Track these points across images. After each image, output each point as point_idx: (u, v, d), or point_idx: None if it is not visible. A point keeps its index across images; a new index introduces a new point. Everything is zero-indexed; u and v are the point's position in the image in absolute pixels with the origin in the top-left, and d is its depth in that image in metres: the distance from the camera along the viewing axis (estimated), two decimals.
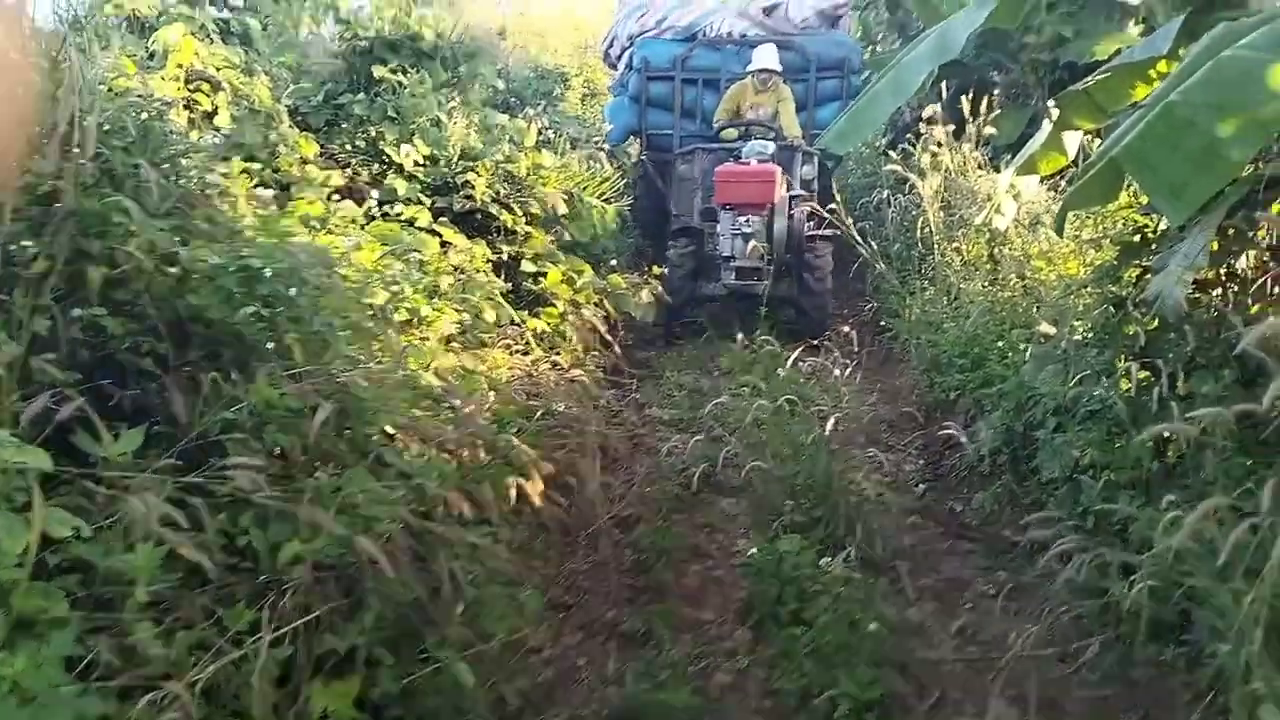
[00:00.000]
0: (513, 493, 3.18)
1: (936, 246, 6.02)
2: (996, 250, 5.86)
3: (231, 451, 2.33)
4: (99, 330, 2.47)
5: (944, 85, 7.19)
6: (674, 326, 6.78)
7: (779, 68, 7.60)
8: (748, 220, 6.67)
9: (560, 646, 2.95)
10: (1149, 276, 3.61)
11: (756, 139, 7.12)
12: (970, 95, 6.88)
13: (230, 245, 2.83)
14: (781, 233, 6.72)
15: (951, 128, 6.61)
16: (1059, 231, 3.69)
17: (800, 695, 2.58)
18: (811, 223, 6.75)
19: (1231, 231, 3.50)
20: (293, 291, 2.71)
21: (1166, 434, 3.16)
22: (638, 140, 8.93)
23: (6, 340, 2.10)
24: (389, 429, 2.96)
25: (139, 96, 3.12)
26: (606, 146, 8.45)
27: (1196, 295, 3.55)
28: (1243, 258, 3.62)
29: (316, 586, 2.09)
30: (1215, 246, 3.44)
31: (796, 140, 7.40)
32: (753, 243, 6.54)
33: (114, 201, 2.55)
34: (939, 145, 6.58)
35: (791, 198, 6.94)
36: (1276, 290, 3.52)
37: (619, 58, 9.47)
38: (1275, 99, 2.02)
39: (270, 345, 2.64)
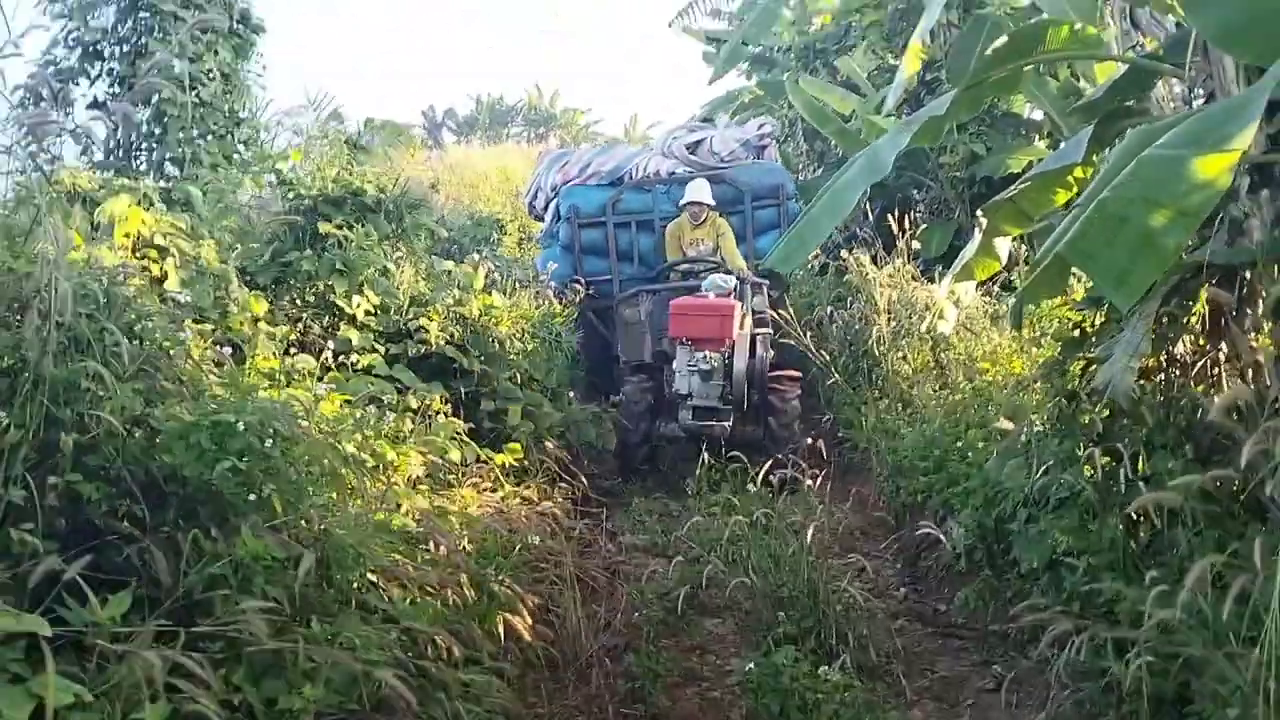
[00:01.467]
0: (500, 630, 3.15)
1: (886, 356, 6.23)
2: (941, 355, 6.08)
3: (220, 606, 2.29)
4: (75, 496, 2.44)
5: (868, 206, 7.57)
6: (630, 464, 6.61)
7: (711, 200, 7.62)
8: (705, 356, 6.37)
9: None
10: (1094, 368, 3.79)
11: (703, 275, 6.91)
12: (895, 213, 7.27)
13: (198, 404, 2.85)
14: (741, 372, 6.37)
15: (879, 245, 6.95)
16: (1017, 327, 3.89)
17: None
18: (771, 353, 6.61)
19: (1166, 319, 3.72)
20: (267, 444, 2.71)
21: (1136, 514, 3.30)
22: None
23: None
24: (370, 575, 2.93)
25: (94, 267, 3.16)
26: (552, 285, 8.31)
27: (1141, 382, 3.74)
28: (1179, 344, 3.84)
29: None
30: (1153, 334, 3.66)
31: (741, 272, 7.16)
32: (712, 380, 6.32)
33: (82, 367, 2.56)
34: (873, 261, 6.91)
35: (753, 334, 6.67)
36: (1215, 371, 3.73)
37: (545, 208, 9.39)
38: (1197, 190, 2.21)
39: (249, 499, 2.62)
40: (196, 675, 1.95)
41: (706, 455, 4.77)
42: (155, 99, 8.66)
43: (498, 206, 15.74)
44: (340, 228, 5.68)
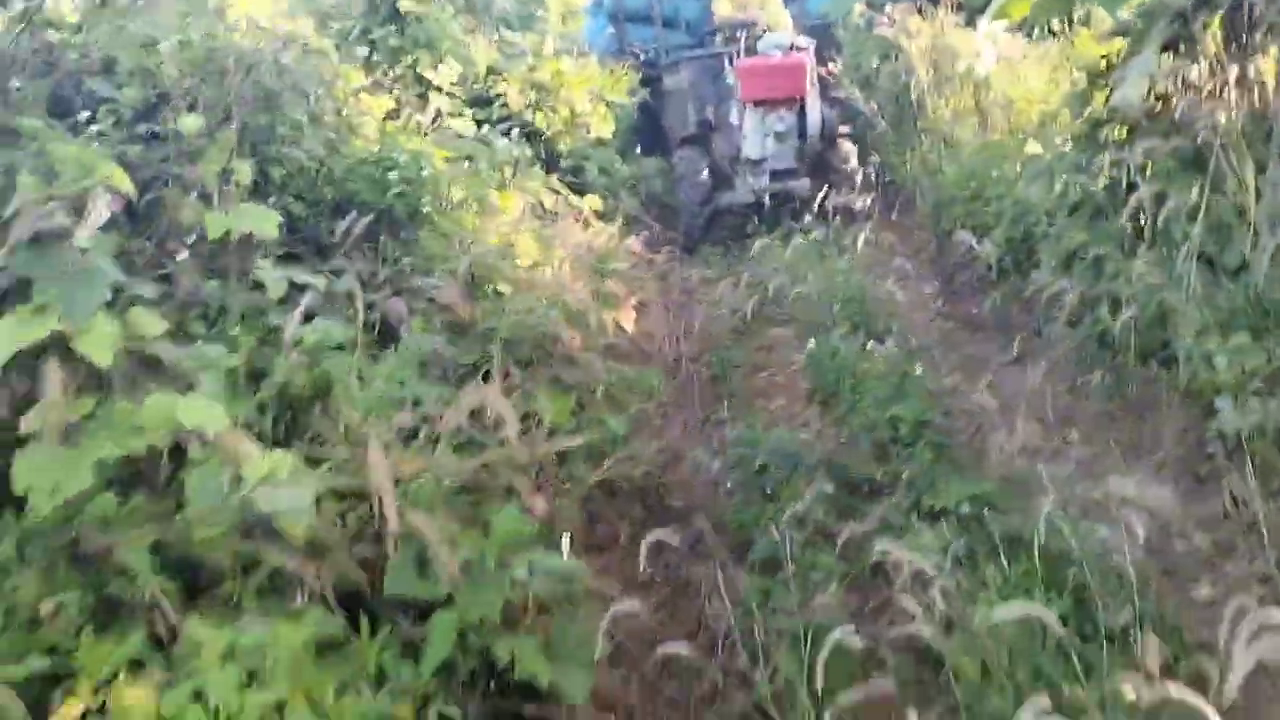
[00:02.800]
0: (610, 326, 3.95)
1: (928, 101, 6.70)
2: (981, 98, 6.53)
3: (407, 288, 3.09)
4: (289, 215, 3.20)
5: None
6: (693, 236, 6.48)
7: None
8: (780, 117, 6.34)
9: (669, 437, 3.74)
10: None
11: (744, 39, 6.80)
12: None
13: (363, 146, 3.56)
14: (815, 127, 6.40)
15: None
16: (1029, 34, 4.39)
17: (869, 427, 3.37)
18: (835, 110, 6.66)
19: (1181, 42, 4.20)
20: (425, 172, 3.44)
21: (1139, 212, 3.94)
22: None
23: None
24: (504, 282, 3.71)
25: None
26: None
27: (1158, 103, 4.27)
28: (1194, 69, 4.34)
29: None
30: (1171, 61, 4.17)
31: (788, 33, 7.06)
32: (787, 141, 6.35)
33: (281, 115, 3.26)
34: (919, 11, 7.23)
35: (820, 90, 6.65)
36: (1224, 92, 4.25)
37: None
38: None
39: (416, 213, 3.37)
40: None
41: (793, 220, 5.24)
42: None
43: None
44: (418, 3, 6.17)
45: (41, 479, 1.67)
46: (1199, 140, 3.40)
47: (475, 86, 5.96)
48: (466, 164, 4.62)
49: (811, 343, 4.06)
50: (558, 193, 5.06)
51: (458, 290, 2.93)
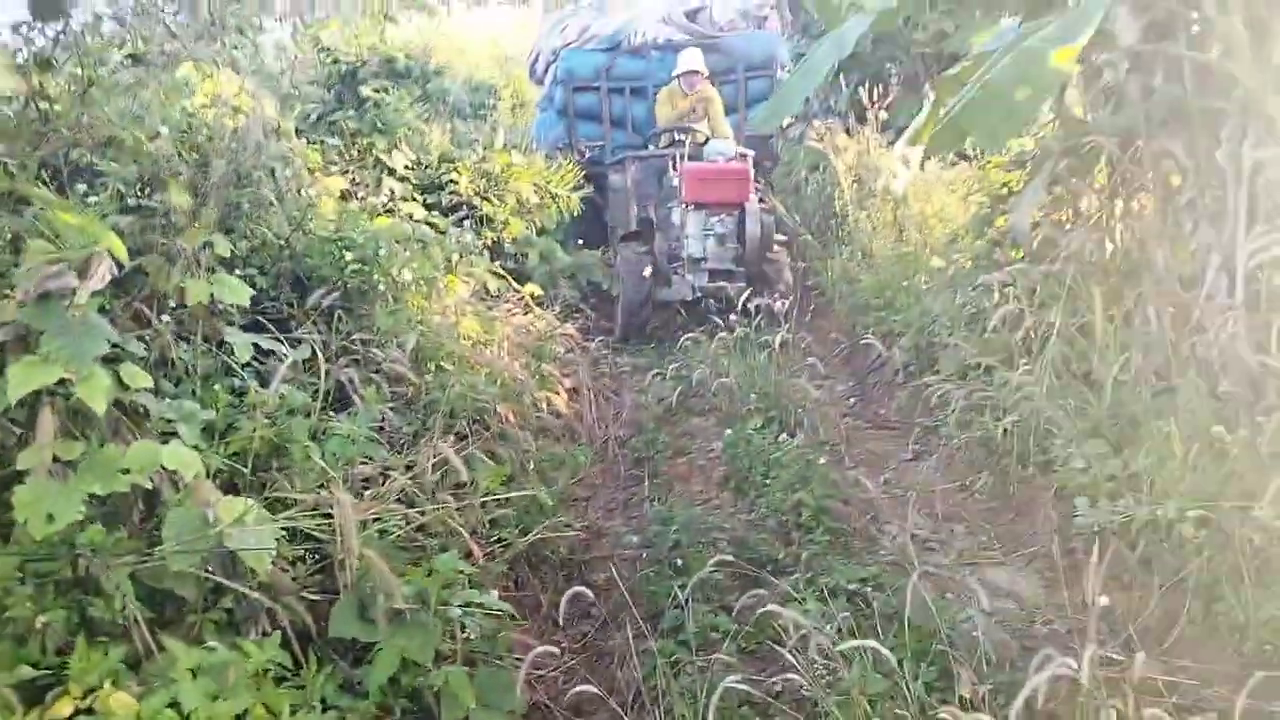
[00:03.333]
0: (545, 404, 4.26)
1: (850, 215, 7.25)
2: (900, 214, 7.11)
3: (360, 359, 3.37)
4: (253, 285, 3.46)
5: (843, 79, 8.45)
6: (631, 328, 6.72)
7: (704, 69, 7.72)
8: (720, 220, 6.65)
9: (593, 513, 4.02)
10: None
11: (686, 143, 7.08)
12: (868, 85, 8.17)
13: (322, 223, 3.86)
14: (754, 235, 6.63)
15: (851, 117, 7.87)
16: (921, 165, 4.95)
17: (776, 511, 3.70)
18: (771, 217, 6.88)
19: (1071, 178, 4.76)
20: (380, 252, 3.74)
21: (1029, 330, 4.41)
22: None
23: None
24: (446, 360, 4.00)
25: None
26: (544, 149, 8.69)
27: (1050, 229, 4.80)
28: (1084, 200, 4.90)
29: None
30: (1060, 194, 4.73)
31: (729, 142, 7.30)
32: (727, 244, 6.62)
33: (250, 192, 3.55)
34: (845, 132, 7.85)
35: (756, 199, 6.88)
36: (1110, 222, 4.79)
37: (545, 72, 9.43)
38: (1051, 74, 3.21)
39: (372, 289, 3.67)
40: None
41: (718, 318, 5.62)
42: None
43: (489, 73, 16.30)
44: (376, 91, 6.55)
45: (37, 509, 1.90)
46: (1057, 267, 3.88)
47: (428, 172, 6.33)
48: (417, 246, 4.94)
49: (728, 432, 4.41)
50: (501, 277, 5.39)
51: (405, 363, 3.22)
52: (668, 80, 8.04)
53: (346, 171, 6.20)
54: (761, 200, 7.04)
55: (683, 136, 7.30)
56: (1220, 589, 2.83)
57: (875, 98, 7.95)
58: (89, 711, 1.65)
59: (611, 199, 7.82)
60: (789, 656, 2.22)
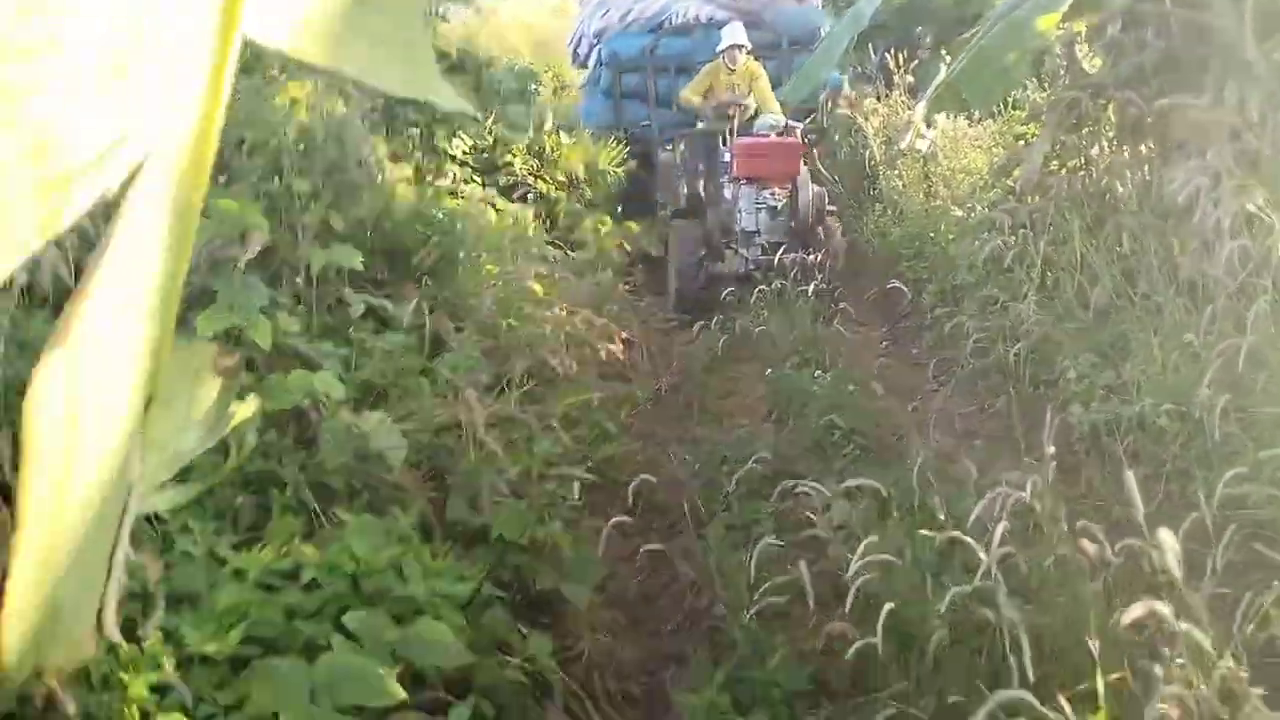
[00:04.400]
0: (602, 354, 4.84)
1: (880, 174, 7.73)
2: (928, 170, 7.56)
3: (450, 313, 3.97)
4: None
5: (871, 47, 8.88)
6: (686, 303, 6.71)
7: (747, 43, 7.67)
8: (773, 193, 6.68)
9: (652, 445, 4.60)
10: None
11: (737, 118, 7.10)
12: (894, 52, 8.60)
13: (409, 202, 4.47)
14: (806, 206, 6.69)
15: (881, 82, 8.32)
16: (927, 121, 5.42)
17: (812, 432, 4.24)
18: (821, 188, 6.94)
19: (1082, 127, 5.22)
20: (459, 226, 4.34)
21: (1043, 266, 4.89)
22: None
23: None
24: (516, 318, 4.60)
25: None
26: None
27: (1064, 173, 5.25)
28: (1095, 147, 5.35)
29: None
30: (1072, 142, 5.18)
31: (778, 115, 7.21)
32: (780, 216, 6.68)
33: (341, 179, 4.16)
34: (875, 97, 8.31)
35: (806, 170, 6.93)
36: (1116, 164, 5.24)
37: (587, 55, 9.66)
38: (1036, 38, 3.69)
39: (447, 259, 4.27)
40: None
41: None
42: None
43: (529, 58, 16.88)
44: None
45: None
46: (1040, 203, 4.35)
47: (484, 156, 6.92)
48: (484, 222, 5.55)
49: (769, 371, 4.96)
50: (558, 246, 5.98)
51: (490, 314, 3.82)
52: (713, 57, 7.98)
53: (411, 158, 6.85)
54: (812, 172, 7.16)
55: (733, 111, 7.33)
56: (1192, 471, 3.32)
57: (901, 63, 8.39)
58: (284, 556, 2.26)
59: (661, 176, 7.93)
60: (812, 518, 2.77)
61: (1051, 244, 4.61)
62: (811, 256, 6.07)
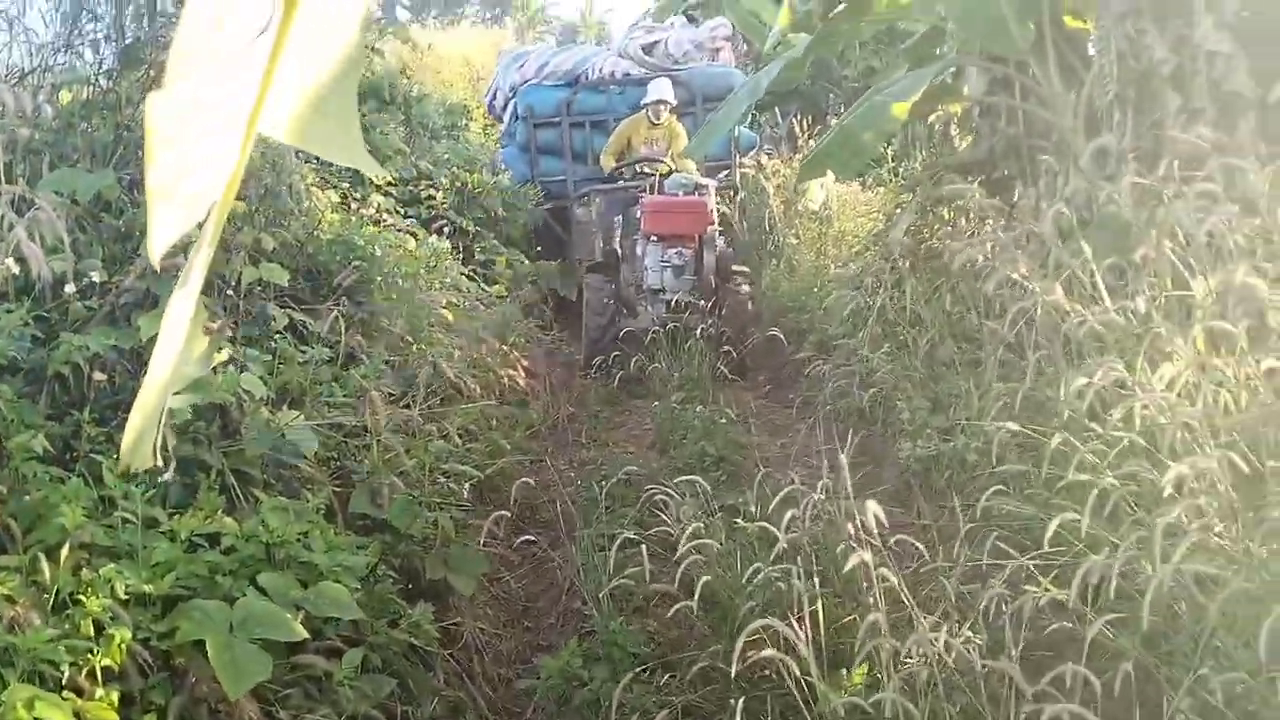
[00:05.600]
0: (505, 379, 5.32)
1: (779, 231, 8.40)
2: (823, 231, 8.27)
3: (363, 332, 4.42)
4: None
5: (778, 110, 9.62)
6: (594, 359, 6.77)
7: (673, 99, 8.03)
8: (679, 252, 6.84)
9: (540, 463, 5.09)
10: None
11: (651, 175, 7.41)
12: (800, 116, 9.35)
13: (330, 229, 4.92)
14: (711, 264, 6.88)
15: (785, 145, 9.04)
16: (795, 188, 6.08)
17: (687, 459, 4.78)
18: (730, 248, 7.29)
19: (938, 203, 5.92)
20: (376, 253, 4.80)
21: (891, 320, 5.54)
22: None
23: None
24: (426, 341, 5.06)
25: None
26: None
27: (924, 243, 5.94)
28: (956, 221, 6.05)
29: None
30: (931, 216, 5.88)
31: (692, 174, 7.56)
32: (685, 275, 6.84)
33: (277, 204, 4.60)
34: (780, 159, 9.02)
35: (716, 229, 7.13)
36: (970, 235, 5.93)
37: (503, 109, 9.84)
38: (891, 121, 4.34)
39: (367, 281, 4.72)
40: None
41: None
42: None
43: (462, 93, 17.40)
44: (364, 116, 7.63)
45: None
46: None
47: (409, 188, 7.40)
48: (402, 250, 6.01)
49: (656, 404, 5.51)
50: (472, 279, 6.47)
51: (399, 336, 4.28)
52: (628, 113, 8.48)
53: (336, 186, 7.28)
54: (722, 231, 7.42)
55: (649, 169, 7.66)
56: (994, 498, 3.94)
57: (806, 127, 9.12)
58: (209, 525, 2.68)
59: (576, 232, 8.10)
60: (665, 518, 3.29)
61: (899, 304, 5.26)
62: (709, 307, 6.61)
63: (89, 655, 2.09)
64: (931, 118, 6.55)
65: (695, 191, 7.26)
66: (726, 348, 6.32)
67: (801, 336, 6.80)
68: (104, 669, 2.09)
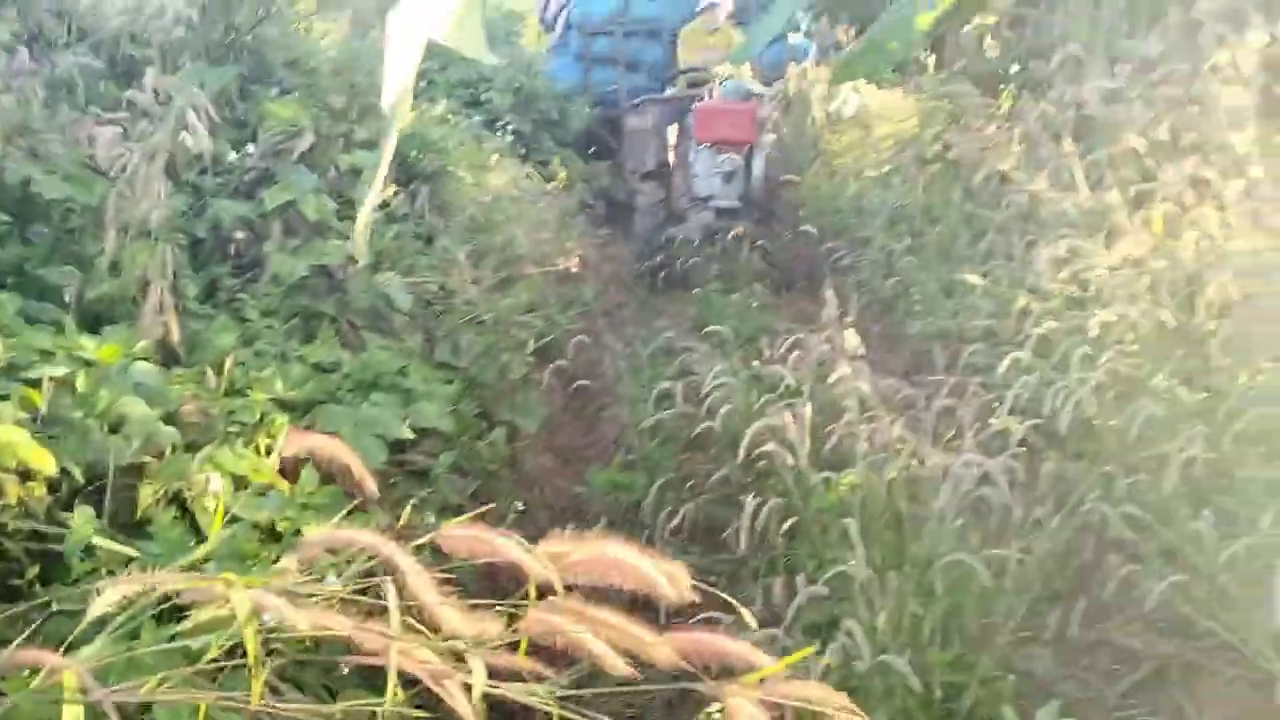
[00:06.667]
0: (561, 265, 5.96)
1: (822, 136, 8.85)
2: (864, 135, 8.70)
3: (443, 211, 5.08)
4: None
5: (825, 19, 9.93)
6: (644, 264, 7.13)
7: (730, 5, 8.15)
8: (729, 159, 7.06)
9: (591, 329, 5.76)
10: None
11: (708, 85, 7.52)
12: (848, 26, 9.66)
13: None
14: (761, 172, 7.13)
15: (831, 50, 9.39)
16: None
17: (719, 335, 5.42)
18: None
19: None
20: (450, 145, 5.42)
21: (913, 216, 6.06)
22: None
23: None
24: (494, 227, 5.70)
25: None
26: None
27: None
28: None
29: None
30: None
31: (749, 81, 7.66)
32: (734, 182, 7.09)
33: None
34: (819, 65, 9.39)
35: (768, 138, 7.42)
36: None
37: (555, 17, 9.77)
38: (915, 30, 4.82)
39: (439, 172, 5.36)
40: None
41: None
42: None
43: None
44: None
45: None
46: None
47: (470, 91, 7.97)
48: (470, 145, 6.63)
49: (697, 290, 6.14)
50: (530, 179, 7.08)
51: (468, 216, 4.93)
52: (684, 22, 8.52)
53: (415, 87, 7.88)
54: (776, 139, 7.57)
55: (703, 77, 7.79)
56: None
57: (853, 36, 9.45)
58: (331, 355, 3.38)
59: (629, 140, 8.21)
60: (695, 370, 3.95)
61: (923, 202, 5.78)
62: (757, 215, 7.08)
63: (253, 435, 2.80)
64: (966, 27, 6.94)
65: (748, 99, 7.43)
66: (762, 243, 6.85)
67: (838, 235, 7.33)
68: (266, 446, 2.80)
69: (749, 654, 0.93)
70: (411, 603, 0.94)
